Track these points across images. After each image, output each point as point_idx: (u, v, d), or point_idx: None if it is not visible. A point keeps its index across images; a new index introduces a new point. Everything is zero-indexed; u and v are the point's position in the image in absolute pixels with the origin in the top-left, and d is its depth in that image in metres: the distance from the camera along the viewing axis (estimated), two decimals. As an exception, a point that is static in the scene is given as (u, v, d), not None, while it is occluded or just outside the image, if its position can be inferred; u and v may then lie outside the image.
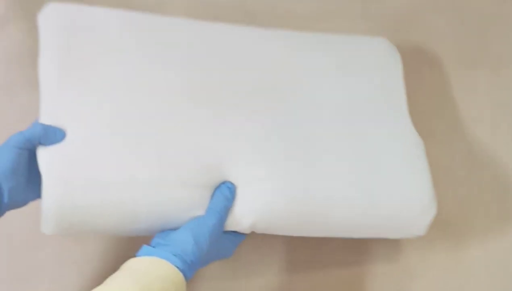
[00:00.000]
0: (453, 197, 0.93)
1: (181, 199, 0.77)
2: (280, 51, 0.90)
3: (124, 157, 0.77)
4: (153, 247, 0.73)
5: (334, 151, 0.84)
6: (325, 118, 0.86)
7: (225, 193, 0.78)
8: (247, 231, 0.81)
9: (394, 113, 0.89)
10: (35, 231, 0.95)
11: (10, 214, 0.96)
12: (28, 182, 0.77)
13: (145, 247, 0.74)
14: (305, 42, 0.92)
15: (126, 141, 0.78)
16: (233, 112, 0.83)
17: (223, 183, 0.79)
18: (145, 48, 0.85)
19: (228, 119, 0.82)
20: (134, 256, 0.73)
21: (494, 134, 0.96)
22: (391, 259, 0.90)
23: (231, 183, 0.79)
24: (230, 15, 1.04)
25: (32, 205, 0.96)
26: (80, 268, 0.92)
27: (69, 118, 0.79)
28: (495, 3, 1.03)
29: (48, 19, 0.85)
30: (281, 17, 1.04)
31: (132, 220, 0.77)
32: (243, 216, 0.79)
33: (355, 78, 0.90)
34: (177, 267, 0.71)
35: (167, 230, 0.76)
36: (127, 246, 0.91)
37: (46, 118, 0.79)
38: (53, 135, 0.77)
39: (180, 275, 0.71)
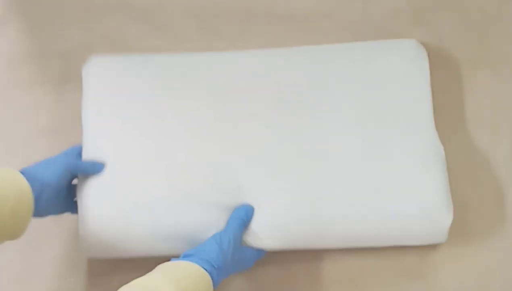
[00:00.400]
0: (453, 196, 0.92)
1: (201, 219, 0.87)
2: (301, 68, 0.95)
3: (151, 183, 0.89)
4: (183, 256, 0.82)
5: (349, 167, 0.89)
6: (343, 133, 0.90)
7: (241, 214, 0.86)
8: (266, 249, 0.88)
9: (416, 120, 0.91)
10: (34, 231, 0.95)
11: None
12: (66, 197, 0.88)
13: (174, 258, 0.81)
14: (328, 56, 0.96)
15: (153, 169, 0.89)
16: (252, 138, 0.91)
17: (241, 205, 0.88)
18: (169, 85, 0.95)
19: (247, 145, 0.91)
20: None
21: (495, 134, 0.96)
22: (391, 259, 0.90)
23: (249, 205, 0.88)
24: (230, 15, 1.04)
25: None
26: (81, 268, 0.92)
27: (106, 153, 0.90)
28: (497, 3, 1.03)
29: (89, 73, 0.96)
30: (282, 16, 1.04)
31: (158, 240, 0.88)
32: (259, 236, 0.87)
33: (378, 89, 0.93)
34: (205, 270, 0.78)
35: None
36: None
37: (89, 153, 0.91)
38: (97, 170, 0.89)
39: (208, 277, 0.78)
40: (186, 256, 0.81)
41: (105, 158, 0.90)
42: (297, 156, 0.90)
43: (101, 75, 0.95)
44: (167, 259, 0.80)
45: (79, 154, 0.90)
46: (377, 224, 0.87)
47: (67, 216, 0.90)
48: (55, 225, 0.93)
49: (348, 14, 1.03)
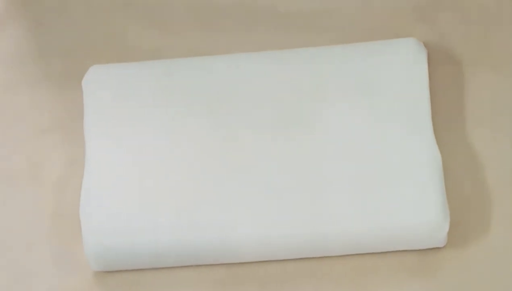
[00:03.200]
0: (454, 196, 0.92)
1: (195, 238, 0.89)
2: (298, 74, 0.95)
3: (148, 206, 0.90)
4: None
5: (345, 177, 0.89)
6: (339, 144, 0.90)
7: None
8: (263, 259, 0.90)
9: (414, 126, 0.91)
10: (34, 231, 0.95)
11: (11, 215, 0.96)
12: None
13: None
14: (325, 59, 0.96)
15: (151, 193, 0.90)
16: (248, 155, 0.91)
17: None
18: (169, 96, 0.95)
19: (243, 165, 0.91)
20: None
21: (495, 134, 0.95)
22: (392, 258, 0.90)
23: None
24: (230, 14, 1.04)
25: (29, 206, 0.96)
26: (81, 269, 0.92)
27: (105, 174, 0.91)
28: (498, 2, 1.02)
29: (89, 83, 0.96)
30: (282, 15, 1.04)
31: (157, 258, 0.90)
32: (257, 252, 0.89)
33: (376, 93, 0.93)
34: None
35: None
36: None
37: (90, 175, 0.92)
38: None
39: None
40: None
41: (108, 173, 0.91)
42: (292, 167, 0.90)
43: (101, 86, 0.96)
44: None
45: None
46: (374, 233, 0.87)
47: (66, 215, 0.91)
48: (53, 225, 0.94)
49: (349, 12, 1.03)
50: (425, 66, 0.94)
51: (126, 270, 0.91)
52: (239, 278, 0.90)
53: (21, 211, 0.95)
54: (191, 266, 0.92)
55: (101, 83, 0.96)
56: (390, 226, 0.87)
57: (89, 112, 0.95)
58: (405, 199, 0.87)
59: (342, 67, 0.95)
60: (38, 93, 1.01)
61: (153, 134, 0.94)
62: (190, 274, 0.91)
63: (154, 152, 0.93)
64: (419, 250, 0.90)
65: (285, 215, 0.88)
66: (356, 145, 0.90)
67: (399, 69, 0.94)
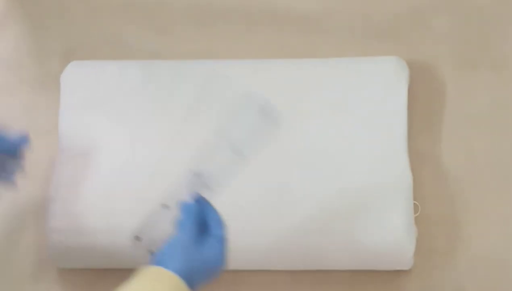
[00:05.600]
0: (454, 196, 0.92)
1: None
2: (275, 87, 0.93)
3: (113, 205, 0.90)
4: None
5: (319, 197, 0.89)
6: (306, 162, 0.90)
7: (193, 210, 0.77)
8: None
9: (388, 146, 0.90)
10: (34, 232, 0.95)
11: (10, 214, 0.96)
12: None
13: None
14: (302, 74, 0.95)
15: (118, 193, 0.90)
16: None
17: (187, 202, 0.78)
18: (146, 96, 0.95)
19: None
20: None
21: (494, 134, 0.95)
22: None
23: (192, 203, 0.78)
24: (230, 15, 1.04)
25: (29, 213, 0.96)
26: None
27: (75, 171, 0.92)
28: (496, 4, 1.03)
29: (68, 79, 0.97)
30: (281, 17, 1.04)
31: (113, 259, 0.90)
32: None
33: (352, 111, 0.92)
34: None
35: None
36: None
37: (63, 161, 0.93)
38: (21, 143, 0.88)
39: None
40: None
41: (79, 167, 0.92)
42: (263, 179, 0.89)
43: (80, 82, 0.96)
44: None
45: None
46: (340, 251, 0.87)
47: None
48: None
49: (348, 14, 1.03)
50: (405, 85, 0.94)
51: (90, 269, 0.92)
52: None
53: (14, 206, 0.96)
54: None
55: (79, 79, 0.96)
56: (357, 244, 0.87)
57: (64, 107, 0.95)
58: (373, 218, 0.87)
59: (323, 82, 0.94)
60: (37, 94, 1.01)
61: (128, 133, 0.93)
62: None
63: (125, 148, 0.92)
64: (419, 252, 0.89)
65: (251, 225, 0.88)
66: (329, 160, 0.90)
67: (380, 87, 0.93)
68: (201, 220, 0.75)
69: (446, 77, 0.98)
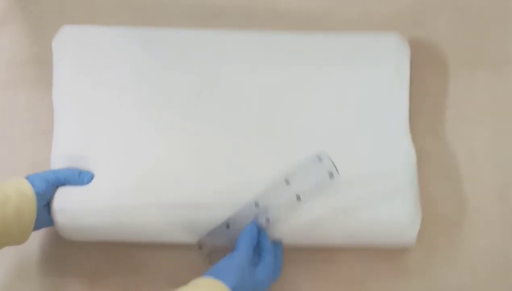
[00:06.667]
0: (454, 196, 0.92)
1: (171, 218, 0.87)
2: (277, 62, 0.94)
3: (116, 174, 0.88)
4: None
5: None
6: (315, 138, 0.90)
7: (253, 233, 0.85)
8: None
9: (391, 120, 0.91)
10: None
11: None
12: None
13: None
14: (303, 49, 0.95)
15: (120, 162, 0.89)
16: (226, 140, 0.90)
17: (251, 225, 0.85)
18: (149, 63, 0.93)
19: (220, 146, 0.90)
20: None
21: (494, 134, 0.96)
22: (392, 257, 0.90)
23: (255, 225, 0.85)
24: (230, 14, 1.04)
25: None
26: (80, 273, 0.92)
27: (73, 139, 0.90)
28: (497, 3, 1.03)
29: (61, 44, 0.95)
30: (282, 16, 1.04)
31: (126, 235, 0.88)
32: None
33: (354, 85, 0.92)
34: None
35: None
36: (124, 250, 0.92)
37: (59, 141, 0.91)
38: (82, 180, 0.89)
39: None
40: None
41: (77, 148, 0.90)
42: (266, 161, 0.89)
43: (74, 49, 0.94)
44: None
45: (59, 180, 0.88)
46: (346, 228, 0.87)
47: None
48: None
49: (349, 12, 1.03)
50: (407, 62, 0.94)
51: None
52: None
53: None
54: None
55: (72, 44, 0.95)
56: (362, 221, 0.86)
57: (58, 73, 0.94)
58: (378, 196, 0.87)
59: (324, 56, 0.94)
60: (38, 93, 1.01)
61: (123, 100, 0.91)
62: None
63: (122, 115, 0.90)
64: (420, 250, 0.90)
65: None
66: (331, 140, 0.90)
67: (381, 64, 0.93)
68: (256, 245, 0.84)
69: (447, 76, 0.98)
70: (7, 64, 1.02)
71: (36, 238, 0.92)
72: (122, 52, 0.94)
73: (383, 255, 0.90)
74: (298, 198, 0.85)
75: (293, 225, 0.86)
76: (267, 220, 0.85)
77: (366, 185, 0.87)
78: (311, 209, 0.86)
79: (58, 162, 0.90)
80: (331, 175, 0.85)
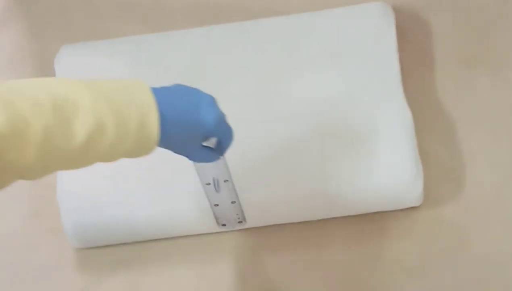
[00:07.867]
0: (454, 196, 0.92)
1: (176, 206, 0.89)
2: (266, 46, 0.96)
3: (122, 180, 0.91)
4: None
5: (318, 142, 0.90)
6: (306, 114, 0.91)
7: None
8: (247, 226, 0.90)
9: (384, 87, 0.92)
10: (33, 232, 0.95)
11: (10, 214, 0.97)
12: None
13: None
14: (289, 30, 0.97)
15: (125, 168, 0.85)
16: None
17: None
18: (139, 70, 0.95)
19: None
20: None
21: (494, 134, 0.95)
22: (392, 257, 0.90)
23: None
24: (229, 14, 1.04)
25: (29, 207, 0.96)
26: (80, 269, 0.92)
27: None
28: (496, 3, 1.02)
29: (61, 62, 0.98)
30: (281, 15, 1.04)
31: (132, 232, 0.91)
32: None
33: (343, 59, 0.94)
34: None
35: None
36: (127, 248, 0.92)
37: None
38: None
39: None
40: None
41: None
42: (265, 134, 0.90)
43: (73, 64, 0.97)
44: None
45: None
46: (348, 194, 0.88)
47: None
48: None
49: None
50: (393, 28, 0.96)
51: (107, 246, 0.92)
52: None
53: (20, 211, 0.96)
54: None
55: (73, 62, 0.97)
56: (365, 186, 0.88)
57: None
58: (378, 159, 0.88)
59: (311, 34, 0.96)
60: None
61: None
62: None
63: None
64: (420, 243, 0.89)
65: (261, 178, 0.89)
66: (328, 109, 0.91)
67: (368, 32, 0.96)
68: None
69: (446, 76, 0.98)
70: (7, 64, 1.03)
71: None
72: (115, 63, 0.96)
73: (382, 247, 0.91)
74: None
75: (297, 198, 0.88)
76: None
77: (365, 147, 0.88)
78: (310, 179, 0.88)
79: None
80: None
